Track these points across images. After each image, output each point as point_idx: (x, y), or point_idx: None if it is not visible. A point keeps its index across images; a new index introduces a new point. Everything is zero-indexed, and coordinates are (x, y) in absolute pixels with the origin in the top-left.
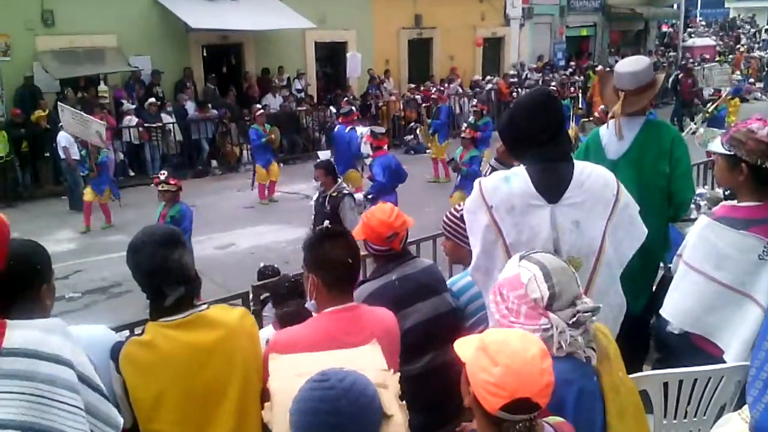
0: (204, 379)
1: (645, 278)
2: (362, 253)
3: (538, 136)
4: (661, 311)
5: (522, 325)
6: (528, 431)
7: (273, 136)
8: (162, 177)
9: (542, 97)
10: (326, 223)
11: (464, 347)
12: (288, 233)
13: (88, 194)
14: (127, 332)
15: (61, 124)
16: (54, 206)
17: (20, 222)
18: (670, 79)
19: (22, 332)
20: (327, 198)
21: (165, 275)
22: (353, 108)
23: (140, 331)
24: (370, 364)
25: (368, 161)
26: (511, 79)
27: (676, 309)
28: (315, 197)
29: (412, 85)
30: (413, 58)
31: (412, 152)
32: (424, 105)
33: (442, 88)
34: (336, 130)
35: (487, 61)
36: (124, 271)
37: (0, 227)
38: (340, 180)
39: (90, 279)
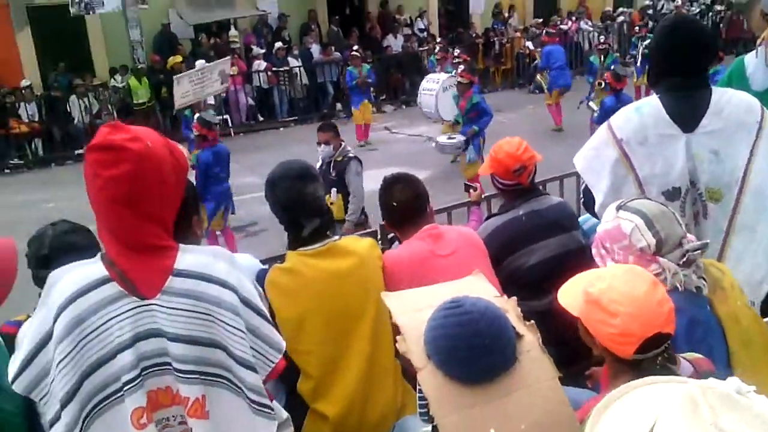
0: (341, 302)
1: None
2: (488, 194)
3: (668, 63)
4: None
5: None
6: (668, 362)
7: (368, 79)
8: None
9: (668, 25)
10: (333, 191)
11: (569, 299)
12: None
13: None
14: (266, 266)
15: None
16: None
17: None
18: None
19: (193, 256)
20: (332, 163)
21: (302, 207)
22: None
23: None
24: (484, 293)
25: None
26: (648, 11)
27: None
28: (318, 164)
29: (539, 20)
30: None
31: (537, 91)
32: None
33: (555, 30)
34: None
35: None
36: (259, 211)
37: (183, 161)
38: (344, 143)
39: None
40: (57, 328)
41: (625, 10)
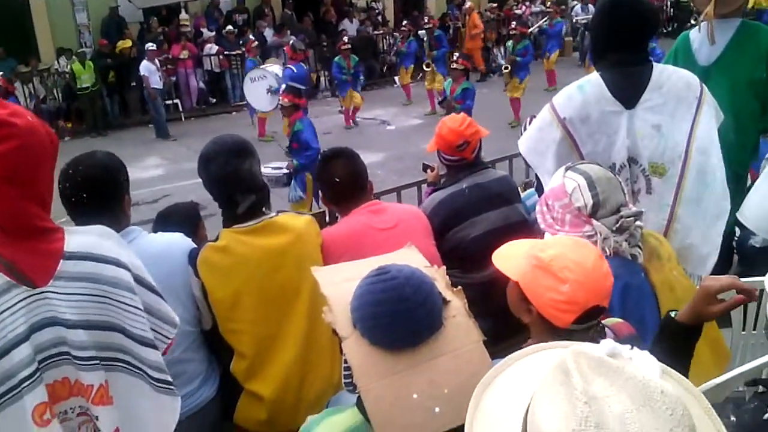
0: (277, 279)
1: (730, 191)
2: (434, 163)
3: (609, 39)
4: (737, 214)
5: (566, 233)
6: (598, 335)
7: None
8: None
9: (608, 1)
10: None
11: (507, 263)
12: (367, 157)
13: None
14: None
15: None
16: (142, 134)
17: (110, 150)
18: None
19: (80, 237)
20: None
21: (237, 183)
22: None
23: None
24: (415, 263)
25: None
26: None
27: (753, 212)
28: None
29: (494, 5)
30: None
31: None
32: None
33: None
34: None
35: None
36: (208, 197)
37: (55, 139)
38: None
39: (177, 202)
40: None
41: None
